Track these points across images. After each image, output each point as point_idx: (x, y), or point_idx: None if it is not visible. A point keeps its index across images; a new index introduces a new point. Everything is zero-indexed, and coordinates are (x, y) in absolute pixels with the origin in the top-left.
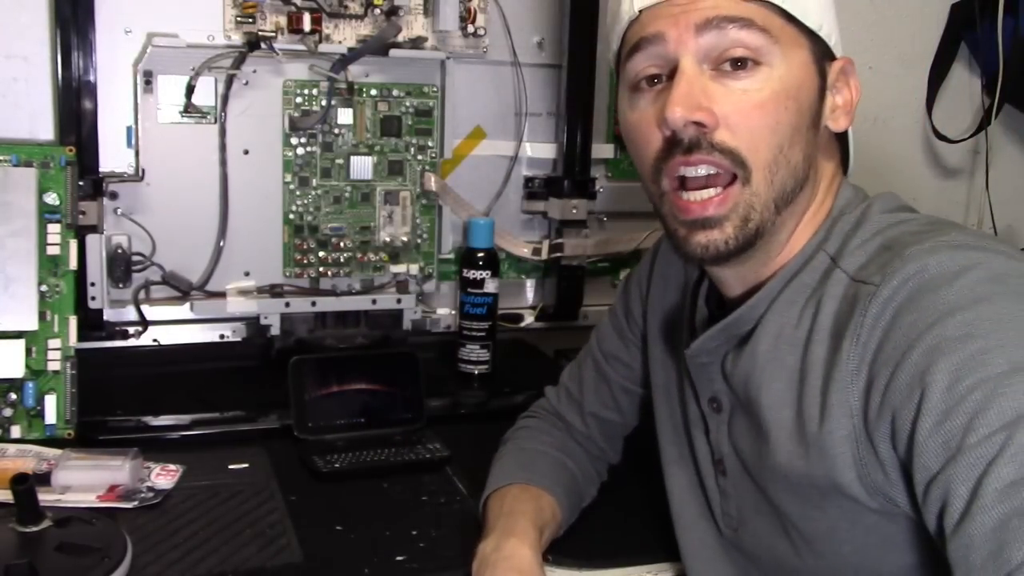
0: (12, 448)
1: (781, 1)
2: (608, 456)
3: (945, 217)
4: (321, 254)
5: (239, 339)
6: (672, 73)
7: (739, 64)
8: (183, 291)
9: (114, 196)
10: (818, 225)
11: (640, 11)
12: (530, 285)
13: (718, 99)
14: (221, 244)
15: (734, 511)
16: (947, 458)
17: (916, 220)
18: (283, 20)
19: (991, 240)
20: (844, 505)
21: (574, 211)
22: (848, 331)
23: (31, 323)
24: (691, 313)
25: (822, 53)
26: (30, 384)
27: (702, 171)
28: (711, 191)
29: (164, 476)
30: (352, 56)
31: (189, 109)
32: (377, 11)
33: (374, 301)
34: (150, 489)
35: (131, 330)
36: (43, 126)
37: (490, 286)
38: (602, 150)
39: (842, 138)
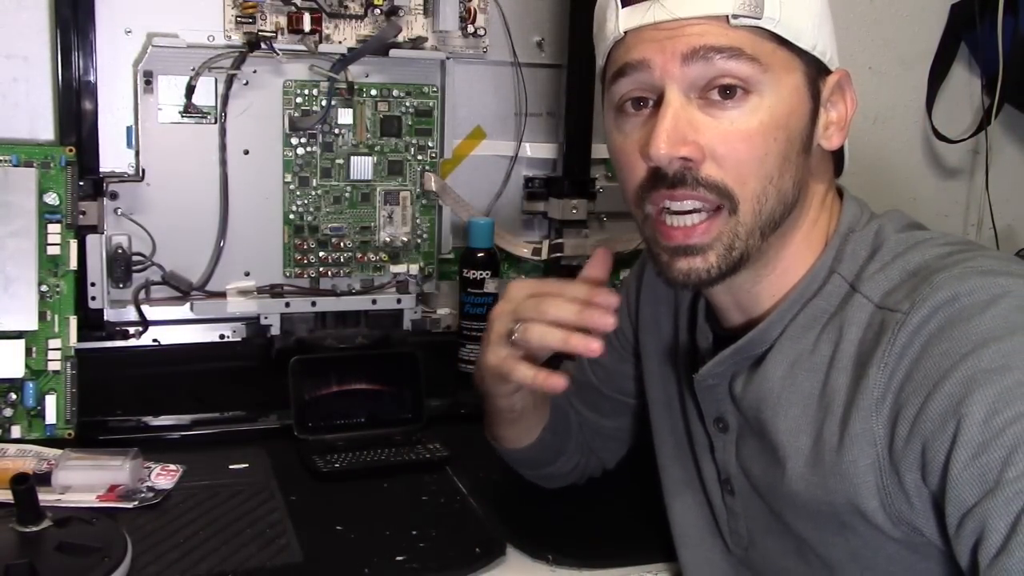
0: (12, 448)
1: (772, 25)
2: (595, 445)
3: (945, 216)
4: (321, 254)
5: (239, 339)
6: (658, 100)
7: (727, 93)
8: (183, 291)
9: (114, 196)
10: (820, 244)
11: (625, 32)
12: None
13: (704, 131)
14: (221, 244)
15: (743, 531)
16: (984, 492)
17: (935, 240)
18: (283, 20)
19: (1018, 264)
20: (866, 534)
21: (574, 211)
22: (874, 359)
23: (31, 323)
24: (690, 333)
25: (816, 71)
26: (30, 384)
27: (687, 205)
28: (696, 217)
29: (164, 476)
30: (352, 56)
31: (189, 109)
32: (377, 11)
33: (374, 301)
34: (150, 489)
35: (131, 330)
36: (43, 126)
37: (490, 286)
38: (602, 150)
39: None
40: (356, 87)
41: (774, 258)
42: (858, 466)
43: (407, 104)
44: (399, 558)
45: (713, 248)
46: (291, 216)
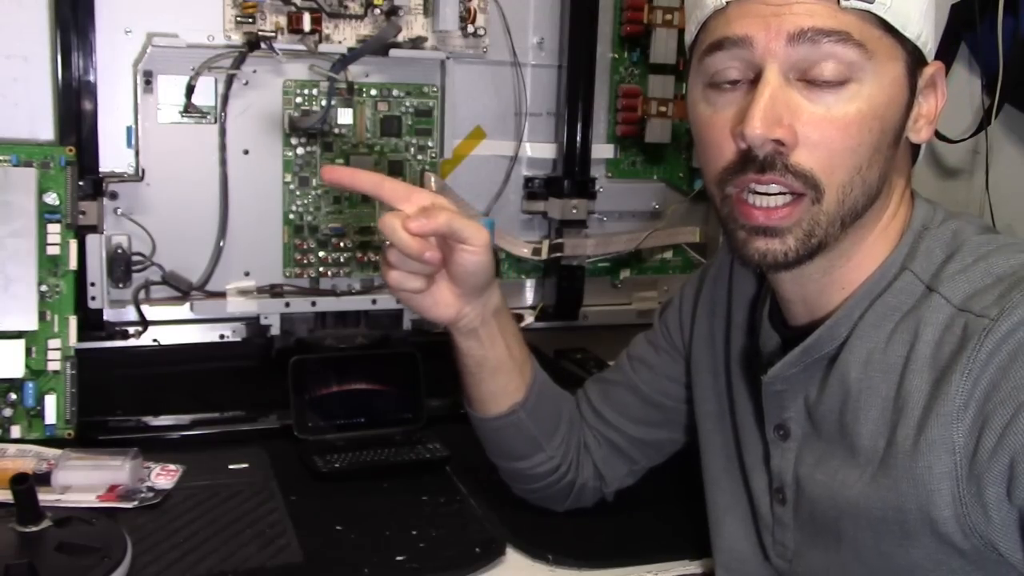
0: (12, 448)
1: (883, 11)
2: (602, 460)
3: None
4: (321, 254)
5: (239, 339)
6: (754, 79)
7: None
8: (183, 291)
9: (114, 196)
10: (895, 239)
11: (728, 2)
12: (530, 285)
13: (800, 114)
14: (221, 244)
15: (790, 542)
16: None
17: (1019, 245)
18: (283, 20)
19: None
20: (930, 545)
21: (574, 211)
22: (958, 365)
23: (31, 323)
24: (750, 339)
25: (916, 62)
26: (30, 384)
27: (773, 188)
28: (779, 199)
29: (164, 476)
30: (352, 56)
31: (189, 109)
32: (377, 11)
33: (374, 301)
34: (150, 489)
35: (131, 330)
36: (43, 126)
37: None
38: (602, 150)
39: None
40: (356, 87)
41: (849, 249)
42: (933, 473)
43: (407, 104)
44: (399, 558)
45: (792, 232)
46: (291, 216)
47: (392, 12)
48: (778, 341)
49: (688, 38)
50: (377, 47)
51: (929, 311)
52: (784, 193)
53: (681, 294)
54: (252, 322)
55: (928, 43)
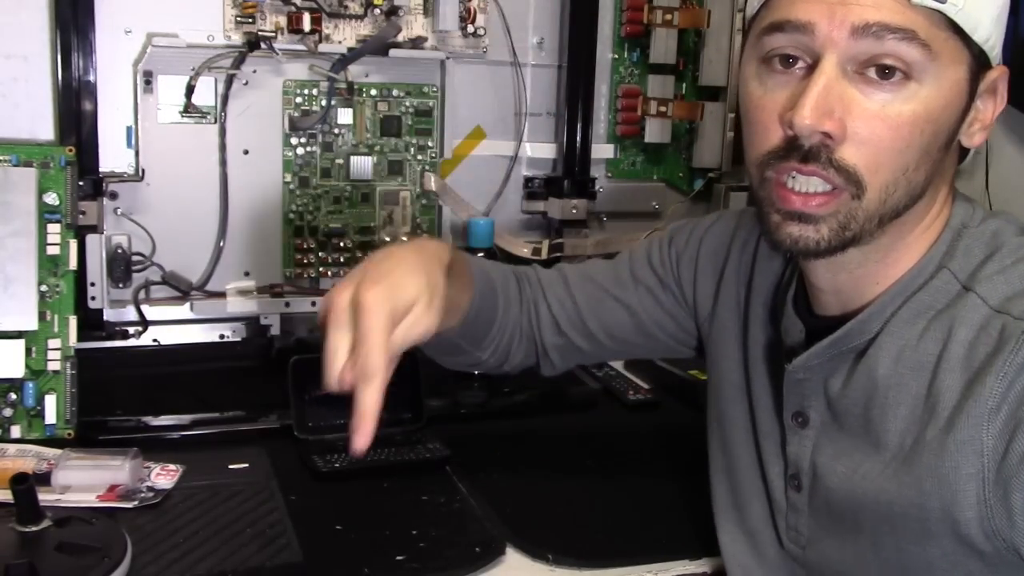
0: (12, 448)
1: (953, 12)
2: (547, 341)
3: None
4: (321, 254)
5: (239, 339)
6: (811, 65)
7: (885, 73)
8: (183, 291)
9: (114, 196)
10: (934, 239)
11: None
12: None
13: (853, 109)
14: (221, 244)
15: (804, 528)
16: None
17: None
18: (283, 20)
19: None
20: (949, 546)
21: (574, 211)
22: (993, 367)
23: (31, 323)
24: (772, 324)
25: (980, 66)
26: (30, 384)
27: (814, 181)
28: (818, 186)
29: (164, 476)
30: (352, 56)
31: (189, 109)
32: (377, 11)
33: None
34: (150, 489)
35: (131, 330)
36: (43, 126)
37: None
38: (602, 150)
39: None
40: (356, 87)
41: (887, 246)
42: (959, 473)
43: (407, 104)
44: (399, 558)
45: (826, 222)
46: (291, 216)
47: (392, 12)
48: (802, 330)
49: (749, 11)
50: (377, 47)
51: (964, 310)
52: (825, 185)
53: (700, 245)
54: (252, 322)
55: (996, 47)
